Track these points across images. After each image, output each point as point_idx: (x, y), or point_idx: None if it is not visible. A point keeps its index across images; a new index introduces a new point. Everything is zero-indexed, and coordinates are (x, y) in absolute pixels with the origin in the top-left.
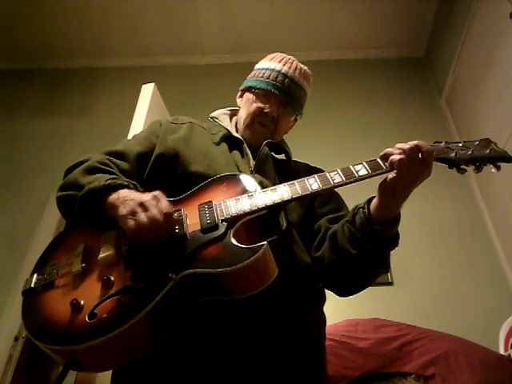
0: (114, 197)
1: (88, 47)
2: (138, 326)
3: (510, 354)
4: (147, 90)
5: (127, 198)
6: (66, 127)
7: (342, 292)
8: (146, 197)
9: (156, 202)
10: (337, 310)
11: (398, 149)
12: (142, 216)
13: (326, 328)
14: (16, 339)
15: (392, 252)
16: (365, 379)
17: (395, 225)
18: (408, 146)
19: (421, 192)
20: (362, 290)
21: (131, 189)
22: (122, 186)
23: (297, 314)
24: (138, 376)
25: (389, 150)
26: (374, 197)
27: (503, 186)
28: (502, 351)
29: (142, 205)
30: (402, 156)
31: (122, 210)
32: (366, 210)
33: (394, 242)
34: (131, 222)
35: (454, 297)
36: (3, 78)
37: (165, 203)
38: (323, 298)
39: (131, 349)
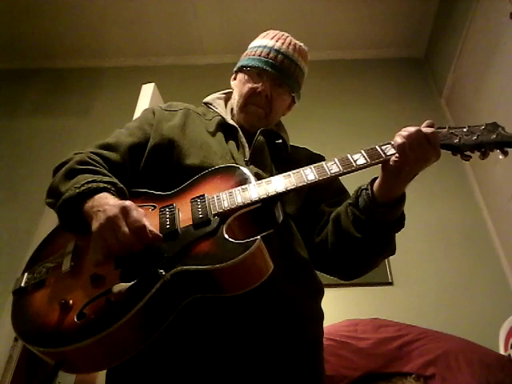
0: (88, 205)
1: (88, 47)
2: (127, 326)
3: (509, 354)
4: (147, 90)
5: (100, 209)
6: (66, 127)
7: (347, 276)
8: (114, 210)
9: (124, 217)
10: (337, 310)
11: (404, 130)
12: (111, 237)
13: (326, 328)
14: (16, 339)
15: None
16: (365, 379)
17: (400, 205)
18: (411, 130)
19: (421, 192)
20: (368, 272)
21: (108, 190)
22: (96, 191)
23: (294, 311)
24: (132, 375)
25: (398, 133)
26: (377, 177)
27: (503, 186)
28: (502, 351)
29: (111, 221)
30: (403, 140)
31: (94, 225)
32: (369, 192)
33: (399, 222)
34: (101, 243)
35: (454, 297)
36: (3, 78)
37: (133, 217)
38: (321, 294)
39: (122, 349)
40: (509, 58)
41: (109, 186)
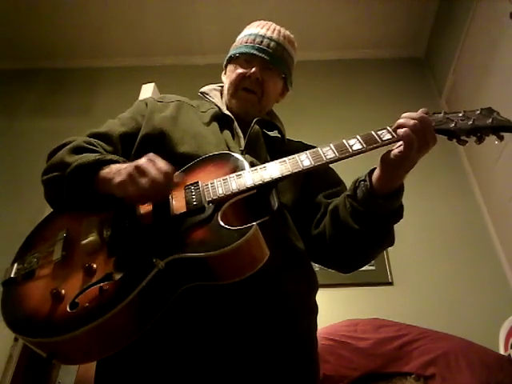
0: (106, 171)
1: (88, 47)
2: (121, 315)
3: (510, 354)
4: (147, 90)
5: (121, 168)
6: (66, 127)
7: (345, 268)
8: (141, 160)
9: (152, 164)
10: (337, 309)
11: (406, 120)
12: (142, 180)
13: (326, 328)
14: (16, 339)
15: (392, 252)
16: (365, 379)
17: (399, 196)
18: (415, 116)
19: (421, 192)
20: (367, 264)
21: (121, 163)
22: (112, 162)
23: (287, 302)
24: (123, 366)
25: (400, 121)
26: (375, 168)
27: (503, 186)
28: (502, 351)
29: (139, 168)
30: (410, 133)
31: (118, 179)
32: (367, 183)
33: (398, 214)
34: (131, 188)
35: (454, 297)
36: (3, 78)
37: (161, 162)
38: (316, 287)
39: (115, 339)
40: (509, 58)
41: (121, 161)
